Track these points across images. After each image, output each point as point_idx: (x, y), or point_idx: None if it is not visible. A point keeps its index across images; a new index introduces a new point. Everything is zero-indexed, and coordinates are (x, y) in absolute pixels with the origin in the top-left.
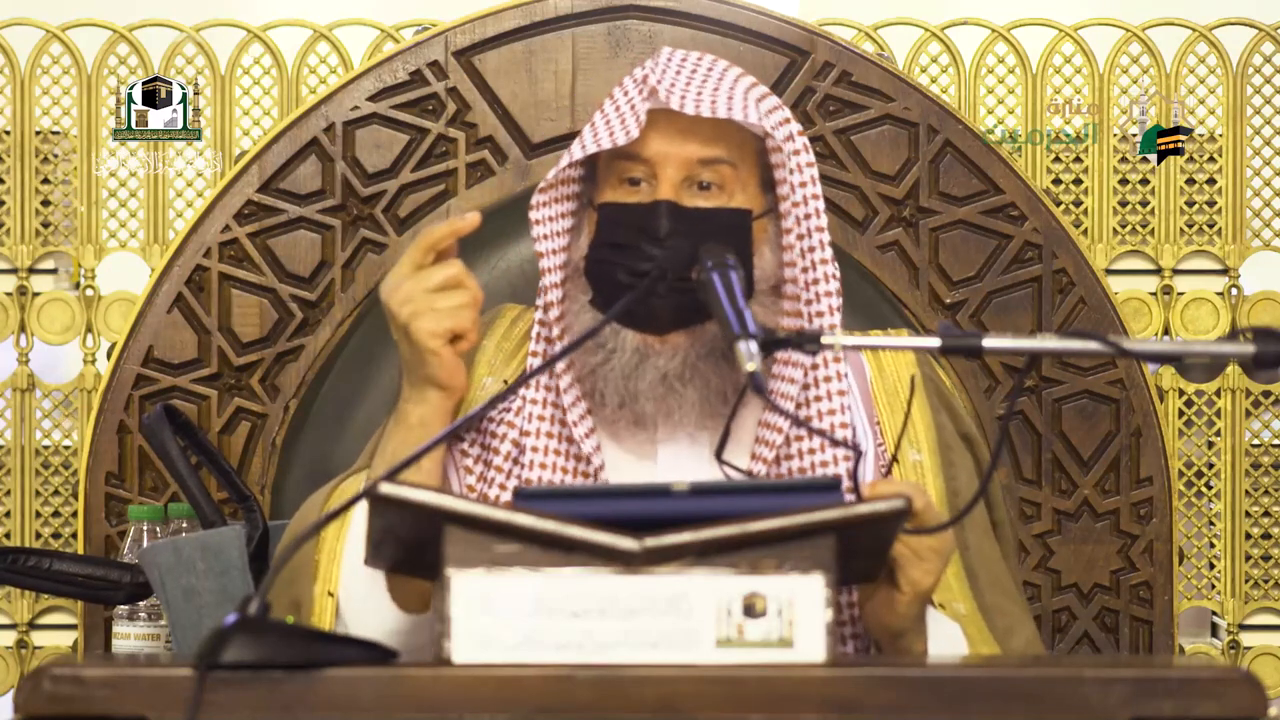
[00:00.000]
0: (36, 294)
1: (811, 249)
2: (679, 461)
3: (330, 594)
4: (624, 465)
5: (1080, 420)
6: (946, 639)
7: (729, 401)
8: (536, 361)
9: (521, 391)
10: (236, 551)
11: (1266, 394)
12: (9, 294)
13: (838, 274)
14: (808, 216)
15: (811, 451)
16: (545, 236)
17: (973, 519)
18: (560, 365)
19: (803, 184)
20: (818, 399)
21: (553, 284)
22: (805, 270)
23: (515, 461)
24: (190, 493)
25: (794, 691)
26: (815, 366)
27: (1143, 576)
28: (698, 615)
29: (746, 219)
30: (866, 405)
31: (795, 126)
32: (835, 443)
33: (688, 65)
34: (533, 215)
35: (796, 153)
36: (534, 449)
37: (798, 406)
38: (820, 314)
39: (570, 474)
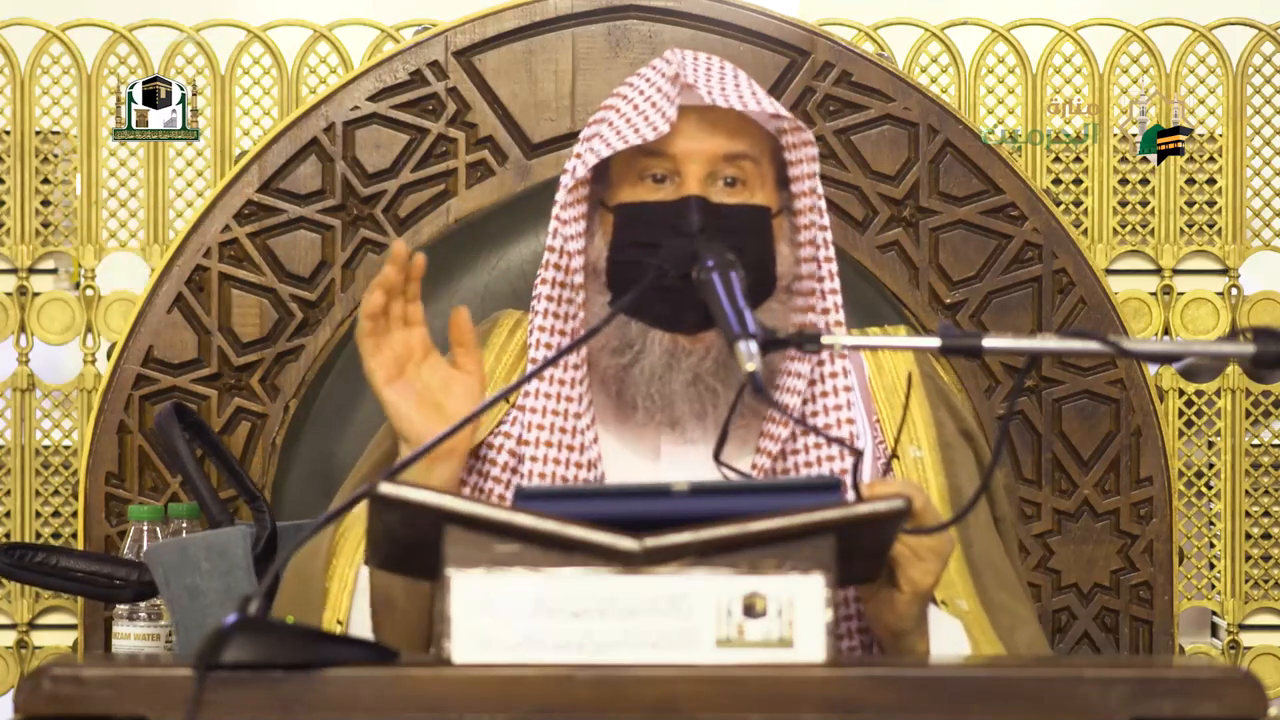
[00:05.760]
0: (36, 294)
1: (817, 246)
2: (682, 466)
3: (339, 622)
4: (627, 471)
5: (1080, 420)
6: (949, 638)
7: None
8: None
9: (519, 400)
10: (241, 551)
11: (1266, 394)
12: (9, 294)
13: (837, 270)
14: (814, 211)
15: (817, 446)
16: (571, 237)
17: (975, 516)
18: (571, 372)
19: (810, 175)
20: (824, 394)
21: (579, 284)
22: (815, 266)
23: (514, 471)
24: (197, 491)
25: (794, 691)
26: (824, 374)
27: (1143, 576)
28: (698, 615)
29: (768, 216)
30: (866, 402)
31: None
32: (833, 440)
33: (702, 63)
34: (561, 215)
35: (810, 152)
36: (533, 458)
37: (804, 402)
38: (826, 310)
39: (571, 482)
